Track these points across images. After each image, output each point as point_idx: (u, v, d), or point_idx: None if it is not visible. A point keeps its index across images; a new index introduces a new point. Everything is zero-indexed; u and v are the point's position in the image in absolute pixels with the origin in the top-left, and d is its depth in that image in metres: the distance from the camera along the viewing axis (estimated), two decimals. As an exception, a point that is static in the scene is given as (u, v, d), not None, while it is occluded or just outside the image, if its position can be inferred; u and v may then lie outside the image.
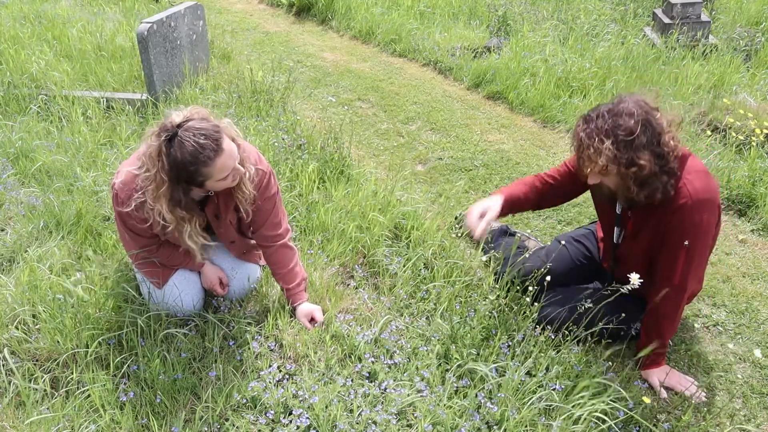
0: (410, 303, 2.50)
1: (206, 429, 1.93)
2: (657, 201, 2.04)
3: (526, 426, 1.96)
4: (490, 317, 2.32)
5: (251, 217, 2.22)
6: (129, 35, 5.01)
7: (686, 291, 2.14)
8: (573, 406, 1.98)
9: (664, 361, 2.29)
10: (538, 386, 2.07)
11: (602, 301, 2.12)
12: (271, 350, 2.22)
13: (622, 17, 6.15)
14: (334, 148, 3.40)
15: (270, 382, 2.06)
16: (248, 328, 2.26)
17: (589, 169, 2.04)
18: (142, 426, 1.94)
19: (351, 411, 1.99)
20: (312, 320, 2.32)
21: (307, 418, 1.94)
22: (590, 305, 2.14)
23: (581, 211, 3.28)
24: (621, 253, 2.33)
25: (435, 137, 4.12)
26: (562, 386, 2.06)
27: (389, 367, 2.18)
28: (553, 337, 2.25)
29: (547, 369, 2.14)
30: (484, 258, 2.71)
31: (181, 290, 2.26)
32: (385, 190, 3.05)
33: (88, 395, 1.99)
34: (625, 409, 2.01)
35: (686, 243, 2.05)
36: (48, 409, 1.97)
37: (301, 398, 2.01)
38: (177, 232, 2.05)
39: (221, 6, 7.05)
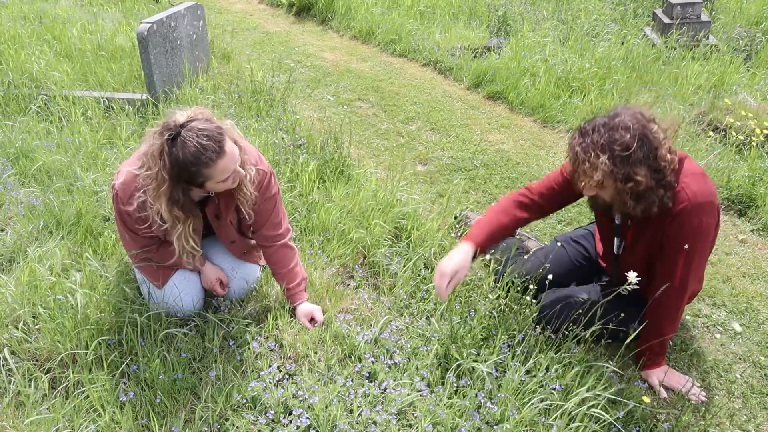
0: (410, 303, 2.50)
1: (206, 429, 1.93)
2: (653, 215, 2.03)
3: (526, 426, 1.96)
4: (490, 317, 2.32)
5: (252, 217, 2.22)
6: (129, 35, 5.01)
7: (686, 292, 2.14)
8: (573, 406, 1.98)
9: (664, 361, 2.29)
10: (539, 386, 2.07)
11: (601, 302, 2.12)
12: (271, 350, 2.22)
13: (622, 17, 6.15)
14: (334, 148, 3.40)
15: (270, 382, 2.06)
16: (248, 328, 2.26)
17: (584, 183, 2.03)
18: (142, 426, 1.94)
19: (351, 411, 1.99)
20: (312, 320, 2.32)
21: (307, 418, 1.94)
22: (587, 298, 2.13)
23: (581, 211, 3.28)
24: (622, 262, 2.32)
25: (435, 137, 4.12)
26: (562, 386, 2.06)
27: (389, 367, 2.18)
28: (553, 337, 2.25)
29: (547, 369, 2.14)
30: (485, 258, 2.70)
31: (181, 290, 2.26)
32: (385, 190, 3.06)
33: (88, 395, 1.99)
34: (625, 402, 2.01)
35: (686, 247, 2.04)
36: (48, 409, 1.97)
37: (301, 398, 2.01)
38: (169, 230, 2.05)
39: (221, 6, 7.05)
